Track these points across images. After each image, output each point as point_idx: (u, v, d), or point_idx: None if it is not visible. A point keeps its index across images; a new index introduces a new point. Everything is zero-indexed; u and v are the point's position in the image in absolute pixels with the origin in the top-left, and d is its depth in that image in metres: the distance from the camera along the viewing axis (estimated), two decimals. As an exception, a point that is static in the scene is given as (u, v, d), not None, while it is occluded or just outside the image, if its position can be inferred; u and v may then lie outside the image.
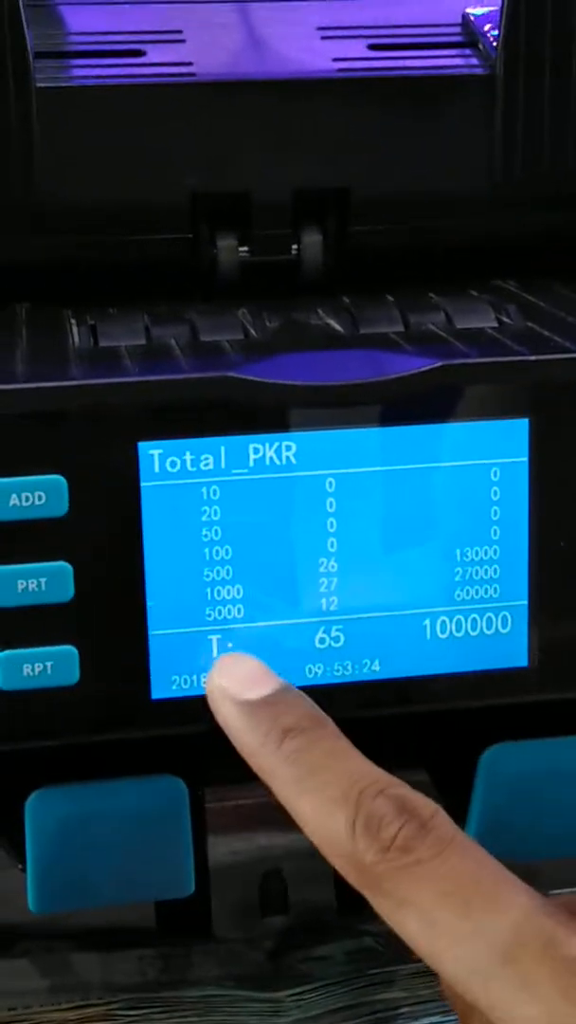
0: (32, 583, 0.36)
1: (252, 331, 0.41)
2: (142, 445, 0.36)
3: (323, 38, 0.46)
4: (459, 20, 0.47)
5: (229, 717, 0.35)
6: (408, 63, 0.45)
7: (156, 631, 0.37)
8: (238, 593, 0.37)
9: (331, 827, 0.33)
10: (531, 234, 0.47)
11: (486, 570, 0.38)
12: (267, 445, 0.37)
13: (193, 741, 0.39)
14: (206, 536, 0.37)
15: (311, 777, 0.33)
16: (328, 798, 0.33)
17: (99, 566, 0.36)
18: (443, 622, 0.39)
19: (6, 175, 0.42)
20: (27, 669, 0.36)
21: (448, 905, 0.31)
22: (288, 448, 0.37)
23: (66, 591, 0.36)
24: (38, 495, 0.36)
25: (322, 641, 0.38)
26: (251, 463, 0.37)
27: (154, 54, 0.44)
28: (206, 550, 0.37)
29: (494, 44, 0.44)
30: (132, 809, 0.40)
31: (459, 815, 0.43)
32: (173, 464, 0.36)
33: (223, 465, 0.37)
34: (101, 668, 0.37)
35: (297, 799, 0.33)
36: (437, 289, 0.44)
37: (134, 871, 0.41)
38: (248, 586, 0.37)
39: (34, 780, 0.40)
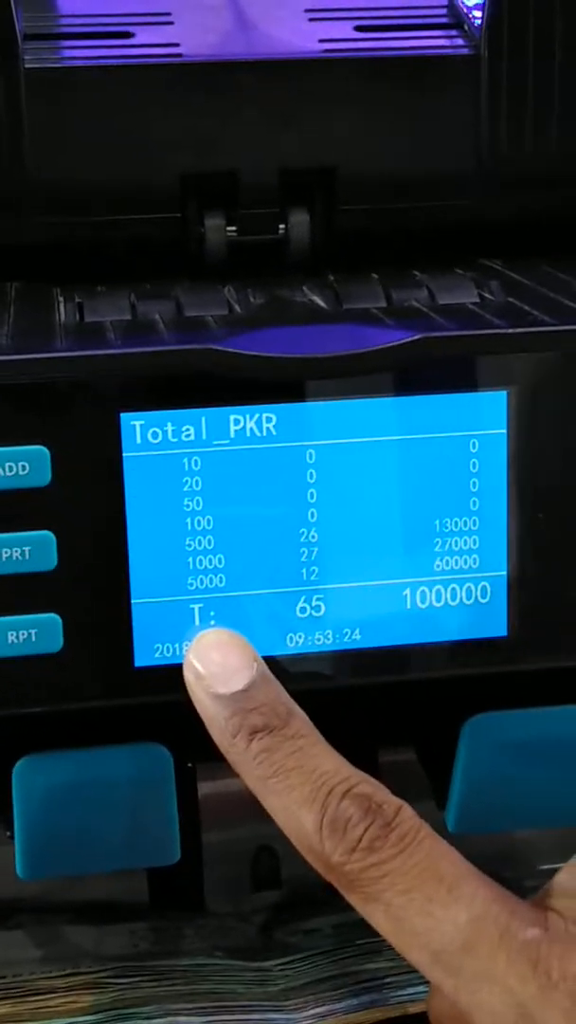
0: (16, 552, 0.37)
1: (236, 307, 0.41)
2: (124, 416, 0.37)
3: (310, 20, 0.47)
4: (445, 2, 0.48)
5: (202, 706, 0.36)
6: (394, 44, 0.45)
7: (139, 599, 0.38)
8: (220, 562, 0.38)
9: (299, 827, 0.34)
10: (518, 214, 0.47)
11: (465, 540, 0.39)
12: (248, 416, 0.37)
13: (177, 709, 0.39)
14: (188, 506, 0.37)
15: (279, 778, 0.35)
16: (296, 800, 0.34)
17: (82, 535, 0.37)
18: (423, 592, 0.39)
19: (-3, 156, 0.43)
20: (11, 636, 0.37)
21: (411, 902, 0.33)
22: (269, 420, 0.38)
23: (49, 560, 0.37)
24: (21, 465, 0.36)
25: (303, 610, 0.39)
26: (232, 434, 0.37)
27: (143, 36, 0.45)
28: (188, 520, 0.38)
29: (479, 25, 0.45)
30: (117, 777, 0.40)
31: (443, 788, 0.44)
32: (155, 435, 0.37)
33: (204, 436, 0.37)
34: (84, 636, 0.38)
35: (266, 799, 0.35)
36: (423, 268, 0.45)
37: (120, 839, 0.41)
38: (229, 556, 0.38)
39: (20, 748, 0.40)
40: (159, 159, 0.44)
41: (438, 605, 0.39)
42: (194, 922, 0.52)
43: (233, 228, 0.45)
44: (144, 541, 0.37)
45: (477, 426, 0.38)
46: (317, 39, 0.45)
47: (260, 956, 0.49)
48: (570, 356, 0.38)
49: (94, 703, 0.38)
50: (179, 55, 0.44)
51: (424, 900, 0.33)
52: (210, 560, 0.38)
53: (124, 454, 0.37)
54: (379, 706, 0.44)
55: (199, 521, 0.38)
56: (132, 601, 0.38)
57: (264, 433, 0.38)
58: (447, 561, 0.39)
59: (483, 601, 0.39)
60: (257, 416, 0.37)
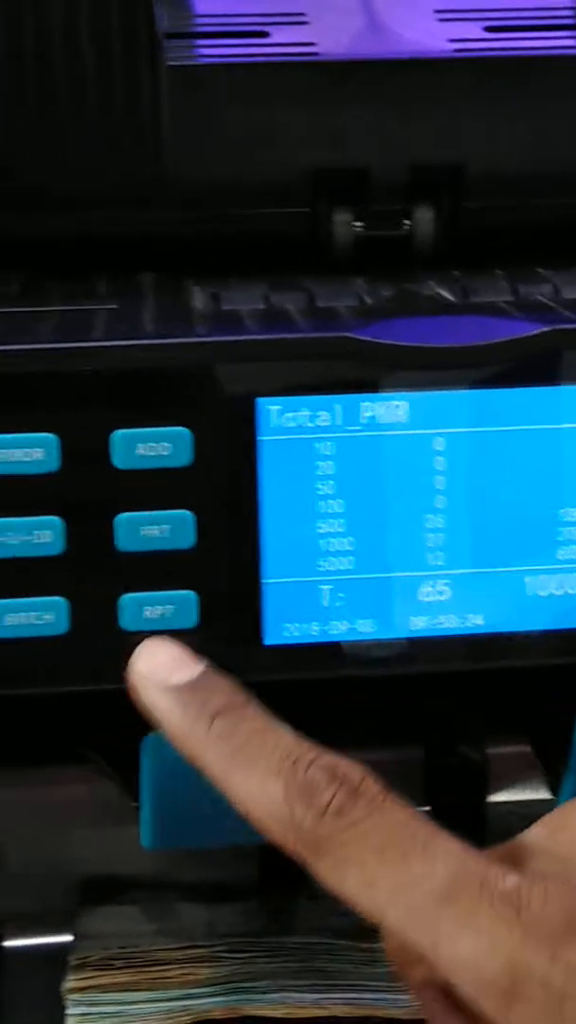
0: (155, 530, 0.38)
1: (367, 298, 0.42)
2: (261, 401, 0.38)
3: (440, 20, 0.48)
4: (572, 3, 0.49)
5: (154, 703, 0.37)
6: (523, 44, 0.46)
7: (270, 579, 0.39)
8: (349, 545, 0.39)
9: (267, 799, 0.34)
10: None
11: (589, 530, 0.40)
12: (380, 404, 0.38)
13: (303, 688, 0.40)
14: (320, 490, 0.39)
15: (243, 753, 0.35)
16: (262, 771, 0.35)
17: (219, 515, 0.38)
18: (543, 580, 0.40)
19: (137, 151, 0.44)
20: (148, 612, 0.38)
21: (386, 858, 0.33)
22: (400, 407, 0.39)
23: (188, 538, 0.38)
24: (163, 446, 0.38)
25: (427, 594, 0.40)
26: (364, 420, 0.38)
27: (278, 35, 0.46)
28: (320, 503, 0.39)
29: (607, 26, 0.45)
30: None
31: (557, 777, 0.45)
32: (290, 420, 0.38)
33: (338, 422, 0.38)
34: (218, 614, 0.39)
35: (231, 776, 0.35)
36: (548, 266, 0.46)
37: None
38: (359, 539, 0.39)
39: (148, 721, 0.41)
40: (292, 155, 0.45)
41: (559, 593, 0.40)
42: (303, 903, 0.53)
43: (360, 223, 0.46)
44: (277, 522, 0.39)
45: (603, 418, 0.39)
46: (447, 39, 0.46)
47: (369, 937, 0.50)
48: None
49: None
50: (314, 53, 0.45)
51: (399, 856, 0.33)
52: (340, 543, 0.39)
53: (260, 437, 0.38)
54: (498, 701, 0.44)
55: (330, 504, 0.39)
56: (263, 581, 0.39)
57: (395, 420, 0.39)
58: (570, 551, 0.40)
59: (605, 590, 0.40)
60: (389, 404, 0.38)
